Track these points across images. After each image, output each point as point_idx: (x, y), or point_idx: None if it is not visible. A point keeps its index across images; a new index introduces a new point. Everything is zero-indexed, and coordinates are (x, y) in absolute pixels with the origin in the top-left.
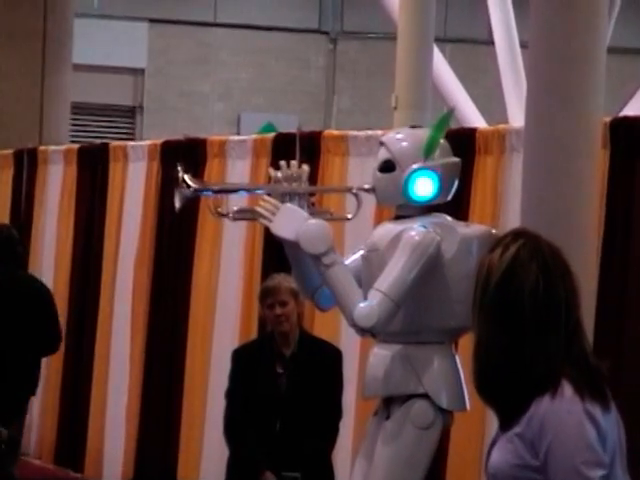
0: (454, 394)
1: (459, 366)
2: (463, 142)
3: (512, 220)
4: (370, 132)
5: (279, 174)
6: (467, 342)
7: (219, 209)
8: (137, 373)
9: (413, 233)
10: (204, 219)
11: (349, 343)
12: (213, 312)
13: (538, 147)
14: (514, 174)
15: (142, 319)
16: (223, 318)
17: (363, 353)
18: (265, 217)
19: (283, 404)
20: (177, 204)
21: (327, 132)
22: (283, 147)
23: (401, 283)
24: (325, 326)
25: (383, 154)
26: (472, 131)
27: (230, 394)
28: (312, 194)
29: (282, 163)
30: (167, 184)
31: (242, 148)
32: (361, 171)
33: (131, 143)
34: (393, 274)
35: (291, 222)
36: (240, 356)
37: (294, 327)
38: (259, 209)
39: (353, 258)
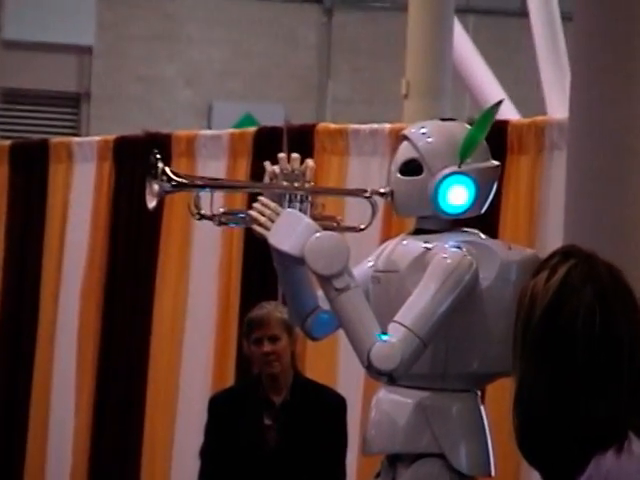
0: (477, 455)
1: (485, 420)
2: (491, 138)
3: (553, 236)
4: (375, 125)
5: (276, 169)
6: (496, 390)
7: (202, 211)
8: (84, 430)
9: (445, 255)
10: (168, 232)
11: (349, 386)
12: (179, 351)
13: (586, 144)
14: (555, 177)
15: (90, 361)
16: (192, 358)
17: (367, 400)
18: (261, 224)
19: (272, 464)
20: (151, 201)
21: (321, 125)
22: (267, 144)
23: (429, 317)
24: (317, 362)
25: (406, 152)
26: (503, 124)
27: (206, 452)
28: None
29: (281, 156)
30: (122, 190)
31: (215, 145)
32: (364, 174)
33: (76, 139)
34: (420, 305)
35: (296, 233)
36: (218, 405)
37: (286, 368)
38: (254, 213)
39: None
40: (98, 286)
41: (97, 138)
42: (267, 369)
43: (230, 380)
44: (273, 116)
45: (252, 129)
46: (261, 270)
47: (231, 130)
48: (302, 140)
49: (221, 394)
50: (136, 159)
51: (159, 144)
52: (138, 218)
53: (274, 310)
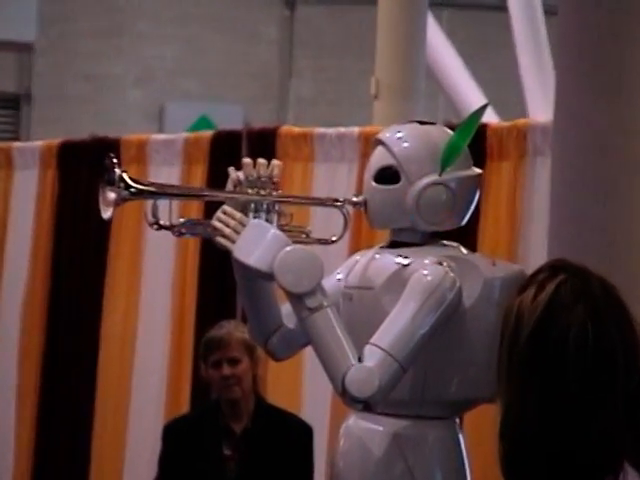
0: None
1: (463, 450)
2: (469, 143)
3: (536, 248)
4: (343, 129)
5: (241, 175)
6: (476, 417)
7: (160, 221)
8: (24, 467)
9: (426, 272)
10: (117, 245)
11: (314, 413)
12: (130, 374)
13: (572, 149)
14: (538, 185)
15: (32, 386)
16: (144, 382)
17: (334, 427)
18: (226, 236)
19: None
20: (106, 211)
21: (285, 128)
22: (224, 149)
23: (409, 339)
24: (280, 386)
25: (381, 158)
26: (481, 128)
27: None
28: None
29: (247, 161)
30: (67, 199)
31: (169, 150)
32: (331, 181)
33: (17, 144)
34: (399, 326)
35: (263, 246)
36: (173, 433)
37: (247, 393)
38: (218, 224)
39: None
40: (41, 303)
41: (39, 143)
42: (226, 394)
43: (185, 406)
44: (231, 118)
45: (208, 133)
46: (219, 285)
47: (185, 134)
48: (263, 145)
49: (176, 421)
50: (82, 165)
51: (107, 149)
52: (84, 229)
53: (234, 330)
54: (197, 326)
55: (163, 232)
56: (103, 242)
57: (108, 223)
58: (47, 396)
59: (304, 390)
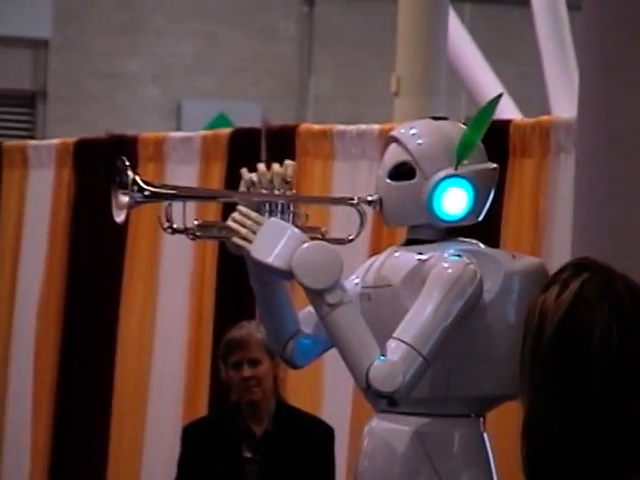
0: None
1: (489, 449)
2: (492, 140)
3: (559, 246)
4: (363, 126)
5: (254, 177)
6: (500, 415)
7: (174, 225)
8: (40, 468)
9: (446, 265)
10: (134, 245)
11: (335, 414)
12: (147, 377)
13: (596, 146)
14: (562, 182)
15: (48, 388)
16: (161, 384)
17: (355, 429)
18: (242, 236)
19: None
20: (119, 215)
21: (304, 126)
22: (243, 147)
23: (432, 332)
24: (300, 388)
25: (396, 155)
26: (504, 125)
27: None
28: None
29: (260, 165)
30: (83, 198)
31: (186, 149)
32: (351, 179)
33: (32, 142)
34: (421, 320)
35: (281, 244)
36: (193, 436)
37: (268, 395)
38: (234, 225)
39: None
40: (57, 305)
41: (55, 141)
42: (247, 396)
43: (203, 408)
44: (249, 116)
45: (227, 131)
46: (237, 285)
47: (203, 132)
48: (282, 142)
49: (196, 423)
50: (99, 164)
51: (124, 147)
52: (101, 229)
53: (255, 330)
54: (215, 327)
55: None
56: (120, 241)
57: (125, 223)
58: (63, 398)
59: (325, 391)
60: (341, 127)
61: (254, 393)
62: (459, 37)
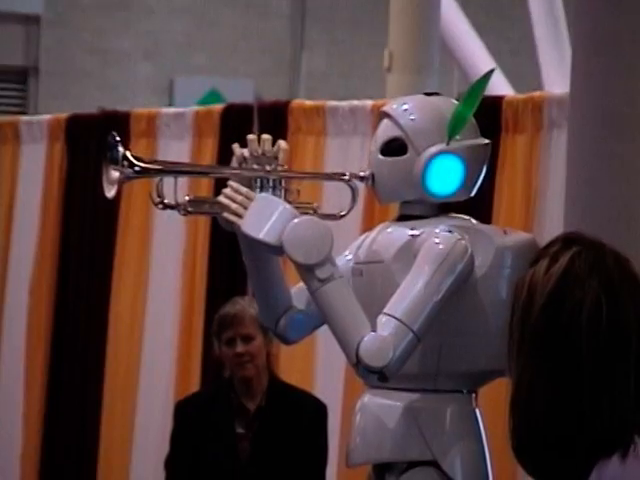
0: (473, 463)
1: (481, 424)
2: (484, 116)
3: (552, 222)
4: (356, 102)
5: (246, 152)
6: (492, 391)
7: (165, 200)
8: (33, 442)
9: (437, 240)
10: (126, 220)
11: (327, 391)
12: (139, 352)
13: (589, 121)
14: (554, 158)
15: (40, 362)
16: (153, 360)
17: (347, 406)
18: (233, 211)
19: (245, 476)
20: (110, 190)
21: (296, 102)
22: (235, 123)
23: (422, 307)
24: (293, 364)
25: (388, 130)
26: (496, 101)
27: (172, 463)
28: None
29: (251, 137)
30: (75, 173)
31: (179, 124)
32: (343, 156)
33: (24, 118)
34: (411, 295)
35: (272, 219)
36: (186, 411)
37: (261, 371)
38: (224, 200)
39: None
40: (49, 279)
41: (47, 117)
42: (240, 372)
43: (195, 384)
44: (242, 92)
45: (219, 106)
46: (229, 262)
47: (196, 108)
48: (274, 119)
49: (189, 399)
50: (91, 140)
51: (117, 123)
52: (93, 204)
53: (248, 306)
54: (207, 303)
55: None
56: (112, 217)
57: (117, 198)
58: (55, 374)
59: (317, 368)
60: (333, 103)
61: (247, 369)
62: (451, 13)
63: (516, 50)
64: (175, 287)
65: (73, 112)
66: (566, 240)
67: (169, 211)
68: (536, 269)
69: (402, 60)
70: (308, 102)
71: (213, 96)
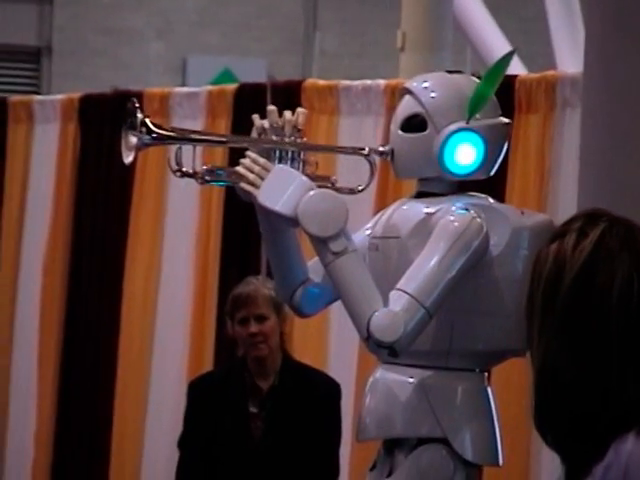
0: (483, 441)
1: (492, 404)
2: (497, 95)
3: (565, 202)
4: (369, 82)
5: (266, 123)
6: (504, 371)
7: (183, 168)
8: (47, 420)
9: (452, 218)
10: (139, 199)
11: (341, 370)
12: (152, 331)
13: (602, 101)
14: (568, 138)
15: (54, 343)
16: (166, 339)
17: (360, 385)
18: (250, 181)
19: (258, 455)
20: (127, 156)
21: (309, 81)
22: (248, 103)
23: (435, 284)
24: (306, 343)
25: (409, 107)
26: (509, 80)
27: (185, 442)
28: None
29: (271, 109)
30: (88, 153)
31: (192, 104)
32: (356, 135)
33: (38, 97)
34: (425, 272)
35: (288, 191)
36: (199, 390)
37: (274, 351)
38: (242, 170)
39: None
40: (62, 259)
41: (60, 96)
42: (253, 351)
43: (208, 363)
44: (254, 72)
45: (232, 86)
46: (243, 239)
47: (209, 87)
48: (287, 98)
49: (202, 378)
50: (104, 119)
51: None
52: (106, 184)
53: (262, 286)
54: (220, 282)
55: (187, 185)
56: (125, 196)
57: (131, 176)
58: (69, 352)
59: (331, 347)
60: (346, 82)
61: (261, 349)
62: None
63: (529, 29)
64: (188, 266)
65: (86, 92)
66: (591, 216)
67: (183, 186)
68: (562, 244)
69: (415, 39)
70: (321, 81)
71: (226, 75)
